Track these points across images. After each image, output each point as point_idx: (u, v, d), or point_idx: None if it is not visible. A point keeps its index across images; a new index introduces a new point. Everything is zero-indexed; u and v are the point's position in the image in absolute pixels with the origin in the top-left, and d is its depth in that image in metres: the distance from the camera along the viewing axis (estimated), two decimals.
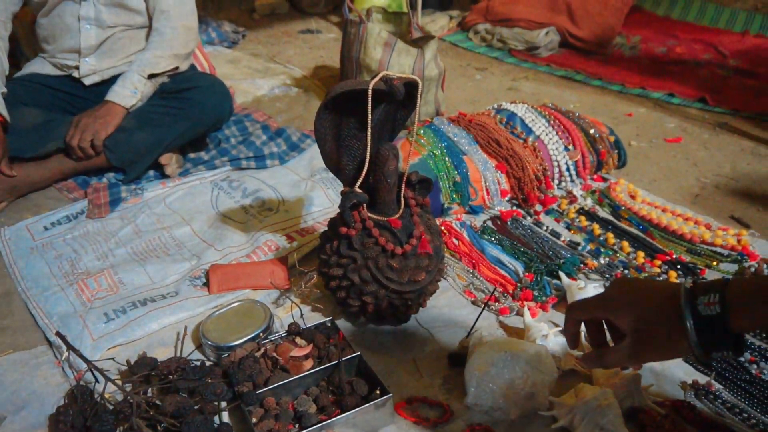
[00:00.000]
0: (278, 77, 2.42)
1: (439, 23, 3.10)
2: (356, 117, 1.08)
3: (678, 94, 2.42)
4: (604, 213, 1.63)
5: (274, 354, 1.09)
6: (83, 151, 1.62)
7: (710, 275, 1.37)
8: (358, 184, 1.11)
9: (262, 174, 1.75)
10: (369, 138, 1.06)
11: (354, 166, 1.14)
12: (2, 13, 1.66)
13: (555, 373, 1.03)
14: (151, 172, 1.73)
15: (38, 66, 1.81)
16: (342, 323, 1.23)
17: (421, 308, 1.25)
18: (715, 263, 1.41)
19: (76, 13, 1.71)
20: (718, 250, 1.46)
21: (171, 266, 1.38)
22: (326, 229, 1.20)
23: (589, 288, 1.25)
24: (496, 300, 1.30)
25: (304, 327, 1.16)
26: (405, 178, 1.16)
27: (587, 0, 2.93)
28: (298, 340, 1.13)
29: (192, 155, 1.82)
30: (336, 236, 1.14)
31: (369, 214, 1.12)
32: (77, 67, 1.77)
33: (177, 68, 1.75)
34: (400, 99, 1.03)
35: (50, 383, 1.09)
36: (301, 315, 1.21)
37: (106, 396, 0.99)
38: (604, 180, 1.79)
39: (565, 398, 1.01)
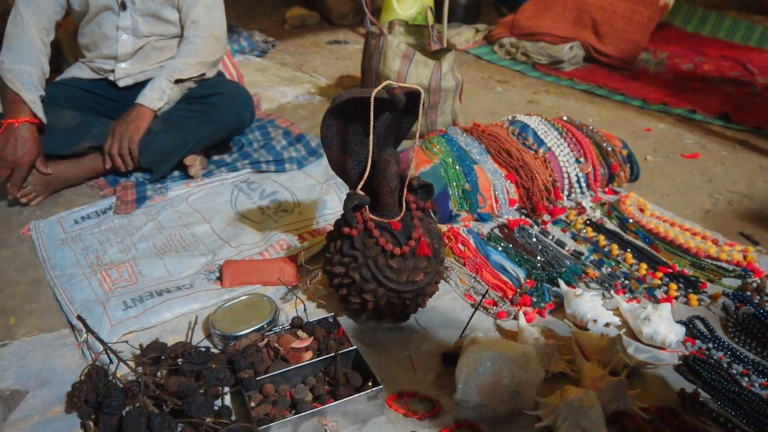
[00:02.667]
0: (303, 86, 2.51)
1: (464, 36, 3.16)
2: (361, 124, 1.15)
3: (700, 111, 2.42)
4: (611, 225, 1.66)
5: (276, 344, 1.15)
6: (122, 158, 1.73)
7: (712, 289, 1.39)
8: (360, 186, 1.17)
9: (280, 177, 1.82)
10: (371, 143, 1.12)
11: (359, 171, 1.20)
12: (46, 21, 1.77)
13: (541, 374, 1.07)
14: (176, 173, 1.83)
15: (77, 70, 1.93)
16: (344, 320, 1.29)
17: (420, 308, 1.30)
18: (717, 278, 1.42)
19: (115, 23, 1.83)
20: (723, 265, 1.47)
21: (188, 261, 1.46)
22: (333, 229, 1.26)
23: (585, 296, 1.28)
24: (495, 304, 1.34)
25: (306, 321, 1.22)
26: (407, 182, 1.21)
27: (613, 16, 2.95)
28: (299, 332, 1.19)
29: (216, 157, 1.91)
30: (339, 236, 1.20)
31: (371, 216, 1.18)
32: (113, 71, 1.88)
33: (203, 75, 1.85)
34: (400, 107, 1.09)
35: (70, 363, 1.17)
36: (305, 310, 1.27)
37: (118, 376, 1.07)
38: (615, 193, 1.81)
39: (551, 399, 1.04)
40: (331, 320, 1.23)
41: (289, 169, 1.85)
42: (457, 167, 1.69)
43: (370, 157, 1.14)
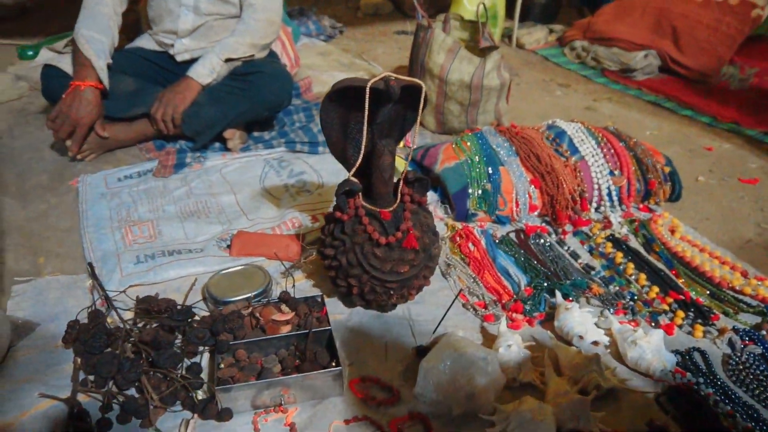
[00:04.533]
0: (359, 73, 2.55)
1: (535, 36, 3.08)
2: (362, 112, 1.17)
3: None
4: (635, 243, 1.59)
5: (258, 315, 1.21)
6: (165, 124, 1.85)
7: (724, 322, 1.30)
8: (353, 173, 1.19)
9: (311, 159, 1.88)
10: (365, 132, 1.14)
11: (358, 157, 1.23)
12: None
13: (502, 381, 1.06)
14: (217, 144, 1.93)
15: (144, 41, 2.08)
16: (335, 302, 1.33)
17: (409, 301, 1.31)
18: (734, 311, 1.34)
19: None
20: (746, 299, 1.38)
21: (205, 227, 1.55)
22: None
23: (575, 310, 1.24)
24: (485, 306, 1.33)
25: (293, 297, 1.27)
26: (404, 175, 1.22)
27: (696, 25, 2.77)
28: (283, 307, 1.24)
29: (256, 134, 2.00)
30: (333, 220, 1.24)
31: (363, 203, 1.21)
32: (173, 45, 2.01)
33: (252, 56, 1.93)
34: (395, 99, 1.11)
35: (80, 304, 1.28)
36: (293, 286, 1.32)
37: (109, 321, 1.16)
38: (650, 211, 1.73)
39: (508, 406, 1.03)
40: (319, 299, 1.28)
41: (321, 152, 1.90)
42: (482, 167, 1.67)
43: (363, 146, 1.16)
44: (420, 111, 1.17)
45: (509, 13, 3.11)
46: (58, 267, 1.41)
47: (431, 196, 1.71)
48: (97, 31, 1.85)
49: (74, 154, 1.82)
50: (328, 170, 1.82)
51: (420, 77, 2.07)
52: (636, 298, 1.37)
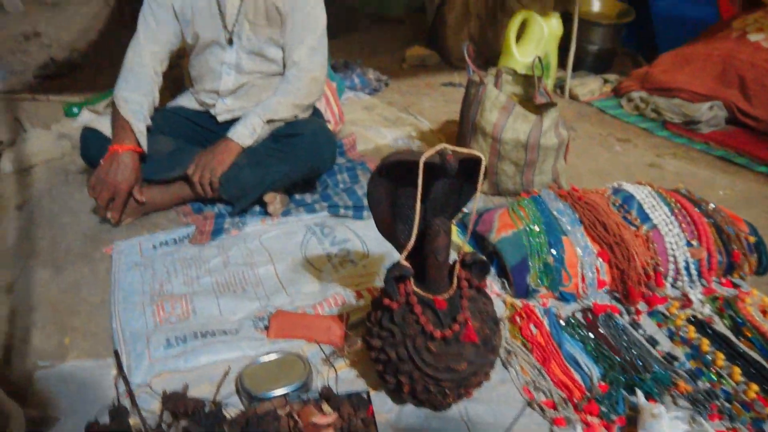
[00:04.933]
0: (404, 128, 2.45)
1: (589, 87, 2.94)
2: (413, 186, 1.04)
3: None
4: (721, 327, 1.39)
5: (296, 416, 1.07)
6: (203, 187, 1.77)
7: None
8: (405, 255, 1.06)
9: (356, 224, 1.76)
10: (417, 211, 1.01)
11: (408, 236, 1.10)
12: (161, 51, 1.87)
13: None
14: (257, 208, 1.84)
15: (185, 100, 2.03)
16: (382, 396, 1.18)
17: (465, 398, 1.15)
18: None
19: (221, 58, 1.89)
20: None
21: (242, 303, 1.43)
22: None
23: (665, 418, 1.05)
24: (555, 406, 1.16)
25: (336, 393, 1.13)
26: (460, 256, 1.09)
27: (766, 74, 2.57)
28: (325, 406, 1.10)
29: (298, 196, 1.90)
30: (381, 306, 1.10)
31: (415, 289, 1.07)
32: (214, 105, 1.95)
33: (296, 117, 1.85)
34: (452, 175, 0.98)
35: (105, 396, 1.17)
36: (336, 381, 1.18)
37: (132, 422, 1.04)
38: (735, 287, 1.53)
39: None
40: (364, 396, 1.13)
41: (366, 216, 1.79)
42: (543, 237, 1.52)
43: (416, 227, 1.03)
44: (480, 186, 1.04)
45: (561, 63, 2.99)
46: (85, 349, 1.31)
47: None
48: (137, 92, 1.80)
49: (116, 222, 1.75)
50: (373, 238, 1.69)
51: (471, 135, 1.95)
52: (732, 398, 1.18)
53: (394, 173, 1.03)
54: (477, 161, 1.01)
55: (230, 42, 1.87)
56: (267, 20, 1.83)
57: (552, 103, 1.86)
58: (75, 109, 2.50)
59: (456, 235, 1.68)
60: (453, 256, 1.12)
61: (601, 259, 1.49)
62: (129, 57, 1.84)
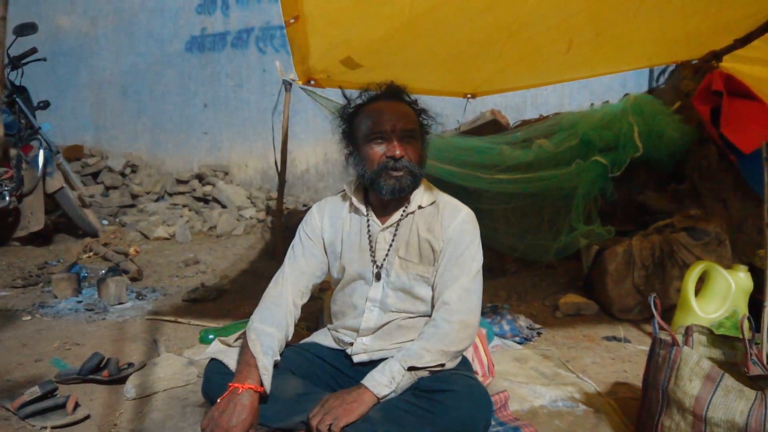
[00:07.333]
0: (565, 388, 2.05)
1: None
2: None
3: None
4: None
5: None
6: None
7: None
8: None
9: None
10: None
11: None
12: (304, 284, 1.79)
13: None
14: None
15: (321, 337, 1.87)
16: None
17: None
18: None
19: (365, 294, 1.76)
20: None
21: None
22: None
23: None
24: None
25: None
26: None
27: None
28: None
29: None
30: None
31: None
32: (351, 344, 1.76)
33: (443, 366, 1.58)
34: None
35: None
36: None
37: None
38: None
39: None
40: None
41: None
42: None
43: None
44: None
45: (755, 325, 2.50)
46: None
47: None
48: (271, 325, 1.68)
49: None
50: None
51: (662, 408, 1.52)
52: None
53: None
54: None
55: (377, 277, 1.75)
56: (419, 257, 1.71)
57: None
58: (210, 336, 2.45)
59: None
60: None
61: None
62: (271, 288, 1.79)
